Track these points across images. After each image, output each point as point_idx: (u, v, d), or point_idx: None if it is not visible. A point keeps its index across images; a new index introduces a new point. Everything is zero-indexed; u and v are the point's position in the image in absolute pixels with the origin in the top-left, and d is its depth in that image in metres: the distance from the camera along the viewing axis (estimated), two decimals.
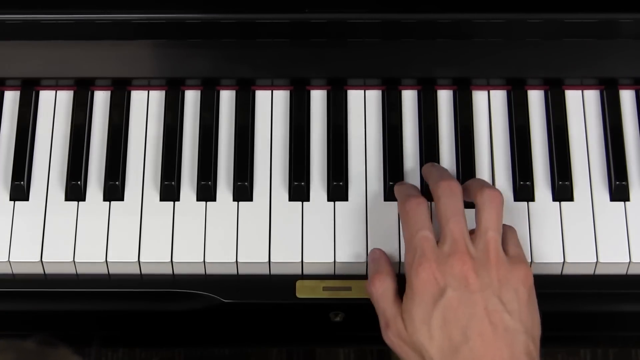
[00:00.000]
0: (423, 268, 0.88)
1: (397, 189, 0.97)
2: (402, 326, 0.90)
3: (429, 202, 0.93)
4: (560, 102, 1.03)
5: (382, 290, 0.92)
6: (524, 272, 0.89)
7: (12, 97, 1.04)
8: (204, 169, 1.00)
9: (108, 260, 0.97)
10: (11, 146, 1.02)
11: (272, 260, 0.97)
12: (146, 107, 1.04)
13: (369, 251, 0.96)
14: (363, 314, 1.00)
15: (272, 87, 1.04)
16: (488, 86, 1.04)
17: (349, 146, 1.01)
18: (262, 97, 1.04)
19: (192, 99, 1.04)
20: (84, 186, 1.00)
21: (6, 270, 0.98)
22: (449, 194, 0.92)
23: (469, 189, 0.94)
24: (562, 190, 0.99)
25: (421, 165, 1.00)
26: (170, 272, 0.98)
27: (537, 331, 0.89)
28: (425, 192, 0.97)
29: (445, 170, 0.98)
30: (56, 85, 1.04)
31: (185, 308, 0.99)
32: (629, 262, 0.97)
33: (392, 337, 0.91)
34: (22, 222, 0.99)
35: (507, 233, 0.93)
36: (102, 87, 1.04)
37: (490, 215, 0.91)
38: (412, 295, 0.89)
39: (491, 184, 0.99)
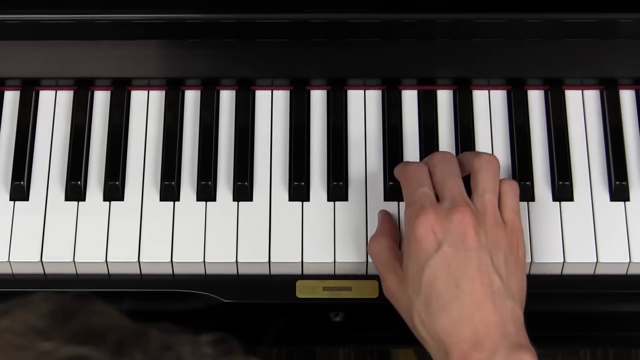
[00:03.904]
0: (421, 221, 0.87)
1: (397, 168, 0.97)
2: (394, 282, 0.90)
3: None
4: (560, 102, 1.03)
5: (376, 251, 0.93)
6: (515, 240, 0.89)
7: (12, 97, 1.04)
8: (204, 169, 1.00)
9: (108, 260, 0.97)
10: (11, 146, 1.02)
11: (272, 260, 0.97)
12: (146, 107, 1.04)
13: None
14: (363, 314, 1.00)
15: (272, 87, 1.04)
16: (488, 86, 1.04)
17: (349, 146, 1.02)
18: (262, 97, 1.04)
19: (192, 99, 1.04)
20: (84, 186, 1.00)
21: (6, 270, 0.98)
22: (444, 161, 0.92)
23: (463, 159, 0.94)
24: (562, 190, 0.99)
25: None
26: (170, 272, 0.98)
27: (523, 300, 0.88)
28: None
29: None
30: (56, 85, 1.04)
31: (185, 308, 0.99)
32: (629, 262, 0.97)
33: (385, 292, 0.91)
34: (22, 222, 0.99)
35: (505, 197, 0.91)
36: (102, 87, 1.04)
37: (487, 178, 0.90)
38: (409, 251, 0.88)
39: None
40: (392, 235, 0.95)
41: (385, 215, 0.97)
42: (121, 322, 0.61)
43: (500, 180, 0.92)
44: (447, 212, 0.87)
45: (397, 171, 0.96)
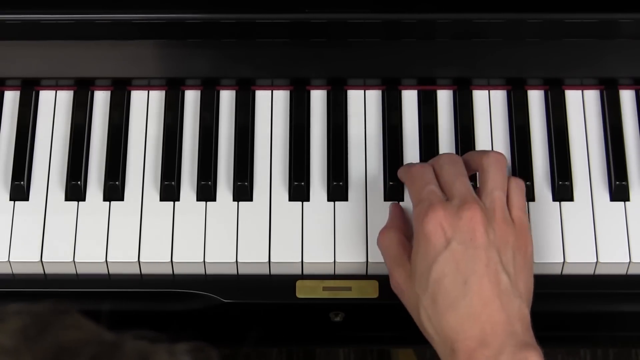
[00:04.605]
0: (430, 218, 0.87)
1: (401, 169, 0.97)
2: (401, 277, 0.90)
3: None
4: (560, 102, 1.03)
5: (385, 244, 0.93)
6: (523, 238, 0.89)
7: (12, 97, 1.04)
8: (204, 169, 1.00)
9: (108, 260, 0.97)
10: (11, 146, 1.02)
11: (272, 260, 0.97)
12: (146, 107, 1.04)
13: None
14: (363, 314, 1.00)
15: (272, 87, 1.04)
16: (488, 86, 1.04)
17: (349, 146, 1.02)
18: (262, 97, 1.04)
19: (192, 99, 1.04)
20: (84, 186, 1.00)
21: (6, 270, 0.98)
22: (451, 162, 0.92)
23: (470, 158, 0.93)
24: (562, 190, 0.99)
25: None
26: (170, 272, 0.98)
27: (530, 299, 0.88)
28: None
29: None
30: (56, 85, 1.04)
31: (185, 308, 0.99)
32: (629, 262, 0.97)
33: (392, 287, 0.91)
34: (22, 222, 0.99)
35: (512, 195, 0.91)
36: (102, 87, 1.04)
37: (496, 175, 0.90)
38: (417, 248, 0.88)
39: None
40: (403, 229, 0.94)
41: (396, 208, 0.97)
42: (96, 335, 0.60)
43: (507, 179, 0.92)
44: (457, 209, 0.87)
45: (402, 173, 0.96)
